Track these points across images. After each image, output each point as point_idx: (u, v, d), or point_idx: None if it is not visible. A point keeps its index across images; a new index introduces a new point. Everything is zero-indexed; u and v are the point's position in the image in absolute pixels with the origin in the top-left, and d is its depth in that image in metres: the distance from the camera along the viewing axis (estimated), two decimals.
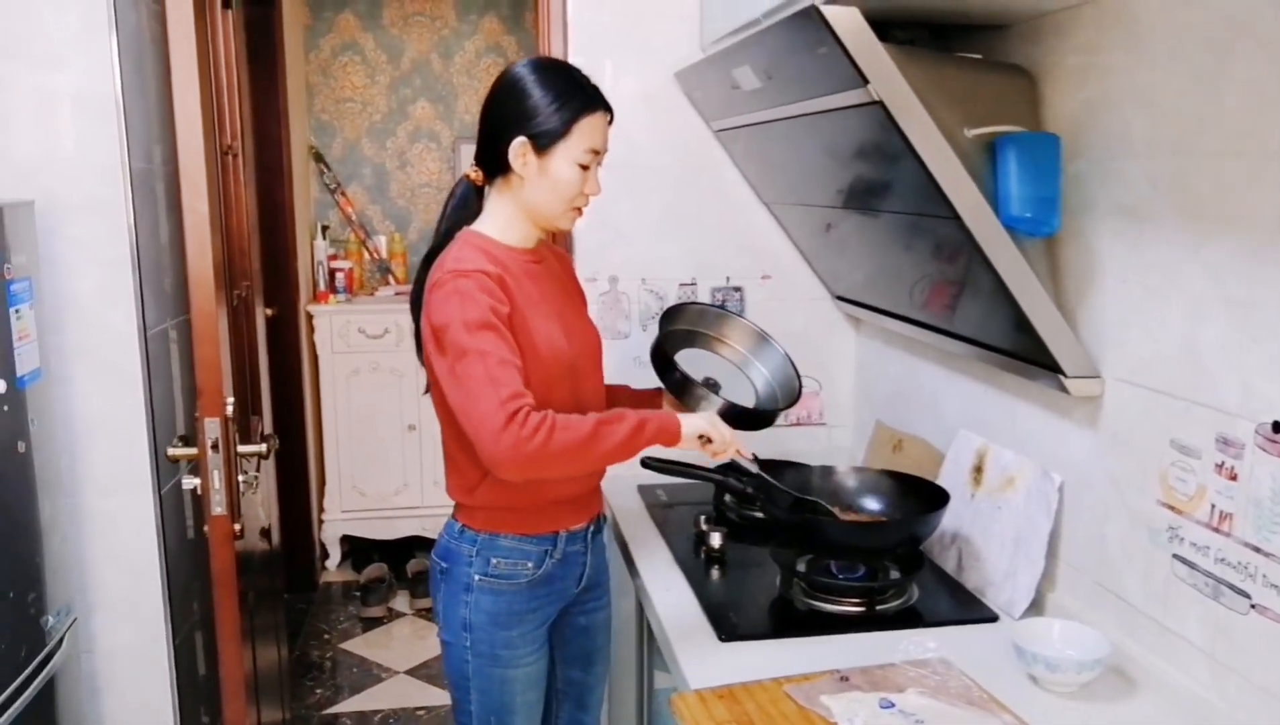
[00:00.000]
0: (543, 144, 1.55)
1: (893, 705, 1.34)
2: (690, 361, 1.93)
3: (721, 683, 1.43)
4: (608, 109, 1.60)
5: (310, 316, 4.09)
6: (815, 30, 1.39)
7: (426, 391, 1.65)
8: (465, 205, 1.66)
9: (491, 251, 1.57)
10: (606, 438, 1.48)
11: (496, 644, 1.61)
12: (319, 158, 4.42)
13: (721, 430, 1.60)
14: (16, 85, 1.91)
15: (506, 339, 1.49)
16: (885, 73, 1.39)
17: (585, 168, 1.58)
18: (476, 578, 1.60)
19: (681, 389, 1.79)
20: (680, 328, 1.97)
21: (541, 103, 1.54)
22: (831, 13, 1.36)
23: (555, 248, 1.77)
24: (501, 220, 1.62)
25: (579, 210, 1.63)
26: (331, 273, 4.21)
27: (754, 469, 1.71)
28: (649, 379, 1.89)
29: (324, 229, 4.33)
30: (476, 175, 1.64)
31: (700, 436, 1.59)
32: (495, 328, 1.48)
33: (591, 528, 1.72)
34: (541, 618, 1.65)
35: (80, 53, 1.92)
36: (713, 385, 1.83)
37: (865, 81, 1.40)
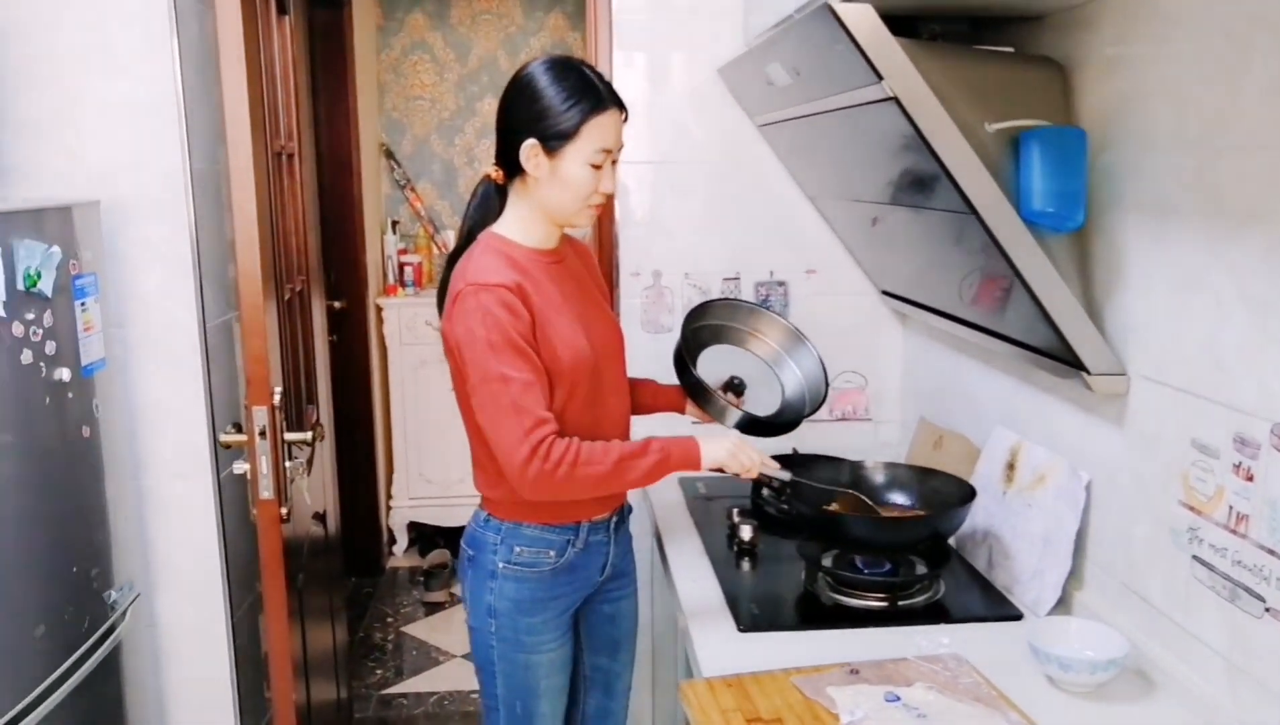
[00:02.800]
0: (552, 146, 1.55)
1: (898, 699, 1.34)
2: (721, 358, 1.93)
3: (734, 673, 1.46)
4: (621, 107, 1.59)
5: (380, 309, 4.21)
6: (831, 27, 1.40)
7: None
8: (487, 204, 1.68)
9: (511, 255, 1.60)
10: (629, 471, 1.55)
11: (520, 629, 1.65)
12: (390, 155, 4.54)
13: (742, 458, 1.63)
14: (87, 94, 2.03)
15: (529, 357, 1.52)
16: (899, 68, 1.39)
17: (598, 167, 1.57)
18: (501, 565, 1.65)
19: (699, 394, 1.80)
20: (709, 323, 1.94)
21: (551, 104, 1.54)
22: (845, 10, 1.37)
23: (577, 243, 1.79)
24: (521, 220, 1.64)
25: (596, 208, 1.63)
26: (401, 267, 4.33)
27: (786, 477, 1.71)
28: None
29: (394, 224, 4.45)
30: (498, 174, 1.66)
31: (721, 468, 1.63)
32: (517, 346, 1.51)
33: (614, 518, 1.75)
34: (565, 604, 1.69)
35: (144, 62, 2.03)
36: (738, 386, 1.83)
37: (880, 77, 1.40)
